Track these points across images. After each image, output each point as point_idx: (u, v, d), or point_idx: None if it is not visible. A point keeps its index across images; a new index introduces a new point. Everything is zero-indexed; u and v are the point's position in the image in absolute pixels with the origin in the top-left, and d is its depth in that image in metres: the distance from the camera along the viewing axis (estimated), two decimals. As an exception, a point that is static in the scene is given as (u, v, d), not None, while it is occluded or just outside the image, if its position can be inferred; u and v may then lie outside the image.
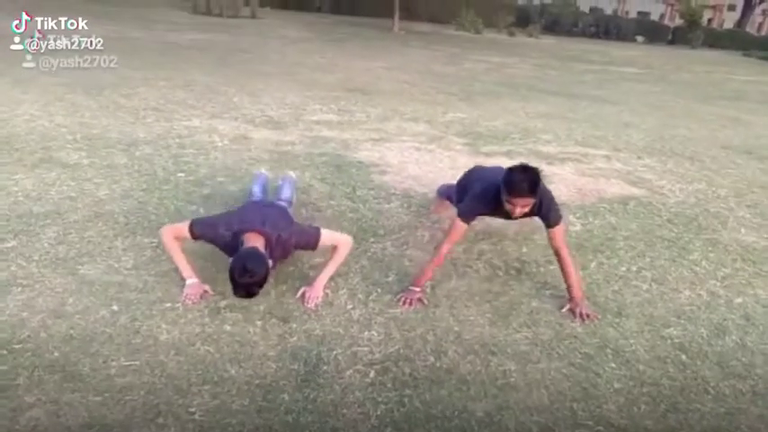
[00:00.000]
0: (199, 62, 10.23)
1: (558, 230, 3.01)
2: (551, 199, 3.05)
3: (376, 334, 2.72)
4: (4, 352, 2.36)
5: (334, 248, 3.02)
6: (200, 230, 2.89)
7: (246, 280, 2.63)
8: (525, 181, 2.79)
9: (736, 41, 34.02)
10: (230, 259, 2.75)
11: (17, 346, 2.40)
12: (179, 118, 6.25)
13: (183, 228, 2.92)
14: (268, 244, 2.82)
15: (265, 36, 15.94)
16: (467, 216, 3.03)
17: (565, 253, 3.03)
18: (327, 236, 3.00)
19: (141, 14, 17.80)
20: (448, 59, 14.75)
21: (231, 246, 2.83)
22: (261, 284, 2.70)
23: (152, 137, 5.43)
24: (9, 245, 3.22)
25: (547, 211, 2.99)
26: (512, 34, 26.50)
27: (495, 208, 3.01)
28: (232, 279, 2.64)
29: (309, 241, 2.97)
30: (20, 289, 2.81)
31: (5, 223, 3.45)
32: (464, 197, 3.23)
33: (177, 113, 6.45)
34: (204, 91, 7.74)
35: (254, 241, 2.78)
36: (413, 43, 18.28)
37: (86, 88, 7.07)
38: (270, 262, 2.77)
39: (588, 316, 2.95)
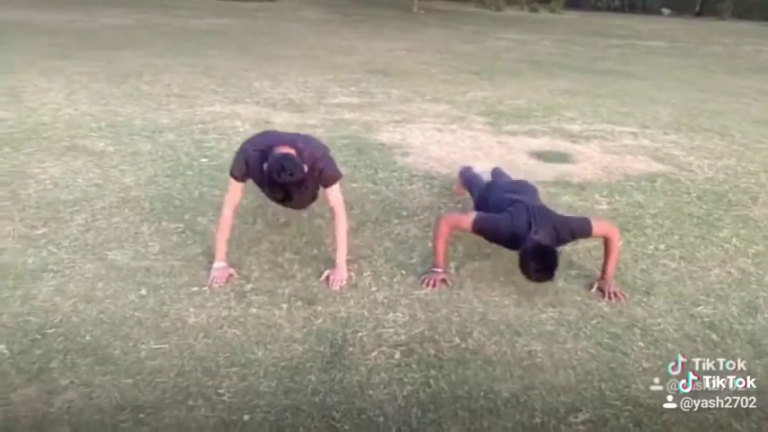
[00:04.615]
0: (220, 47, 10.24)
1: (595, 229, 2.94)
2: (566, 224, 2.94)
3: (401, 315, 2.72)
4: (38, 336, 2.43)
5: (333, 215, 2.97)
6: (237, 170, 2.86)
7: (285, 178, 2.56)
8: (542, 271, 2.71)
9: (768, 11, 32.90)
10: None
11: (50, 331, 2.46)
12: (201, 104, 6.29)
13: (230, 183, 2.90)
14: (299, 155, 2.74)
15: (284, 19, 15.88)
16: (478, 230, 2.95)
17: (612, 241, 2.96)
18: (338, 190, 2.95)
19: (162, 1, 17.85)
20: (469, 38, 14.54)
21: (262, 165, 2.72)
22: (299, 185, 2.61)
23: (175, 123, 5.48)
24: (39, 232, 3.29)
25: (572, 236, 2.93)
26: (534, 10, 25.92)
27: (508, 245, 2.96)
28: (269, 180, 2.58)
29: (332, 173, 2.92)
30: (51, 275, 2.87)
31: (35, 210, 3.52)
32: (483, 205, 3.21)
33: (199, 99, 6.48)
34: (225, 76, 7.76)
35: (286, 151, 2.72)
36: (433, 22, 18.04)
37: (110, 76, 7.15)
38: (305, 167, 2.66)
39: (616, 294, 2.92)
